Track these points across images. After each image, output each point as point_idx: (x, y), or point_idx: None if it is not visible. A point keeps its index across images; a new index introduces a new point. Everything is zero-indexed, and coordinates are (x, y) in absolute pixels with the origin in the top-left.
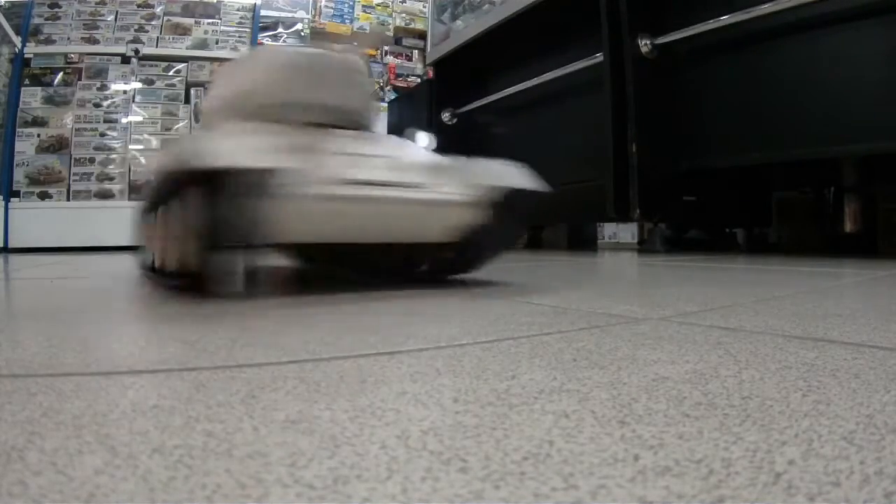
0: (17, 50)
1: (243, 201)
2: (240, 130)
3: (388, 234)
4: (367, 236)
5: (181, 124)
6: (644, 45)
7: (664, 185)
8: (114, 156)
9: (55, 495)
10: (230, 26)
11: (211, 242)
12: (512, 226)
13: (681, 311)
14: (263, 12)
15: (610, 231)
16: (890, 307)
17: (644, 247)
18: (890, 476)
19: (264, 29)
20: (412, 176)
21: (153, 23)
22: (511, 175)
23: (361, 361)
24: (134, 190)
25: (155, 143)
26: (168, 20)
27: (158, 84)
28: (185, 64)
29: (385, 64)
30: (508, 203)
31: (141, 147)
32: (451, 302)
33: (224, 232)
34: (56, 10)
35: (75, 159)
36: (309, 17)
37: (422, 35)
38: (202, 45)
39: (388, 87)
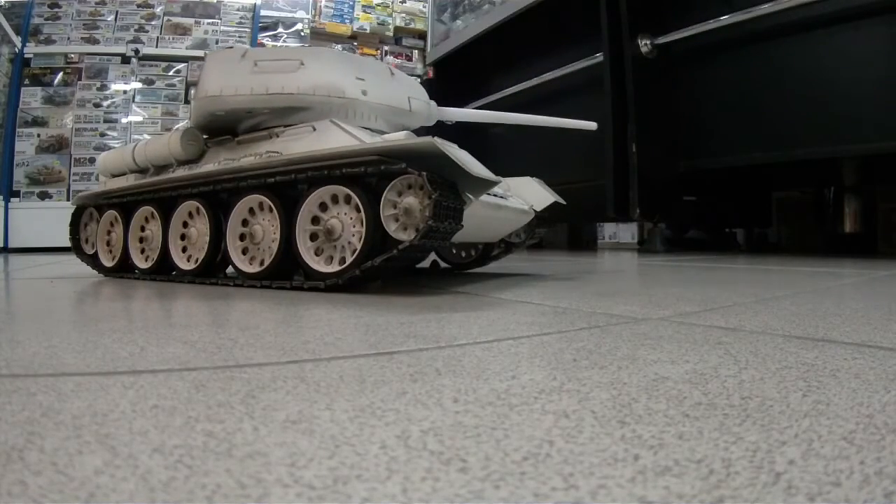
0: (17, 50)
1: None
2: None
3: (500, 232)
4: (489, 235)
5: (181, 124)
6: (644, 45)
7: (664, 185)
8: None
9: (55, 495)
10: (230, 26)
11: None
12: (544, 223)
13: (681, 311)
14: (263, 12)
15: (610, 231)
16: (890, 307)
17: (644, 247)
18: (890, 476)
19: (264, 29)
20: (502, 190)
21: (153, 23)
22: (546, 191)
23: (361, 361)
24: None
25: None
26: (168, 20)
27: (158, 84)
28: (185, 64)
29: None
30: (547, 210)
31: None
32: (454, 302)
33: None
34: (56, 10)
35: (75, 159)
36: (309, 17)
37: (422, 35)
38: (202, 45)
39: None
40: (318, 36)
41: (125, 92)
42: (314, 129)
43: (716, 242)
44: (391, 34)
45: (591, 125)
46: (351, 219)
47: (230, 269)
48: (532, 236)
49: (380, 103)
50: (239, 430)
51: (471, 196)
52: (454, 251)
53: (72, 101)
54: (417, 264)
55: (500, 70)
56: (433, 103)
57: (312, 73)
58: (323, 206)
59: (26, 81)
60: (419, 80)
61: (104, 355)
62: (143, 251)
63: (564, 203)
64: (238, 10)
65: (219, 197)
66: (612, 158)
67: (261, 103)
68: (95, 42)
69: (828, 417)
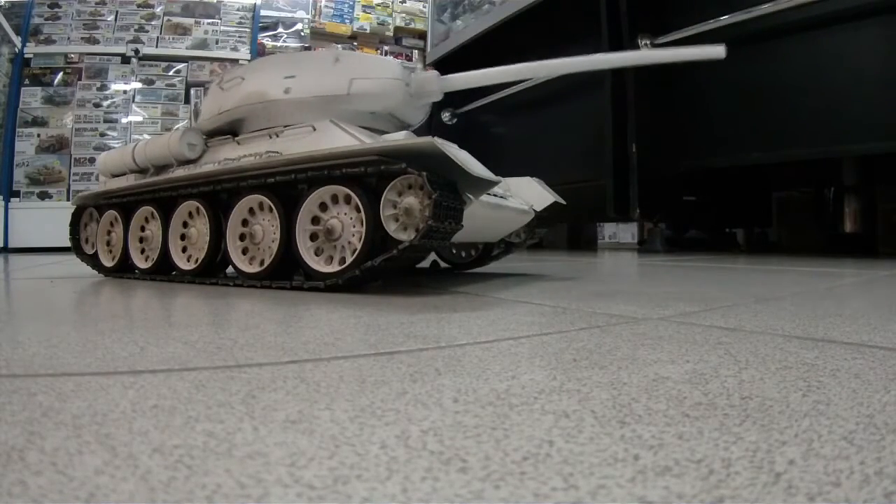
0: (17, 50)
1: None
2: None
3: (500, 232)
4: (489, 235)
5: (181, 124)
6: (644, 44)
7: (664, 185)
8: None
9: (55, 495)
10: (230, 26)
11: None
12: (544, 223)
13: (681, 311)
14: (263, 12)
15: (610, 231)
16: (890, 307)
17: (644, 247)
18: (890, 476)
19: (264, 29)
20: (502, 190)
21: (153, 23)
22: (546, 191)
23: (361, 361)
24: None
25: None
26: (168, 20)
27: (158, 84)
28: (185, 64)
29: None
30: (547, 210)
31: None
32: (454, 302)
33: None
34: (56, 10)
35: (75, 159)
36: (309, 17)
37: (422, 35)
38: (202, 45)
39: None
40: (318, 36)
41: (125, 92)
42: (314, 129)
43: (716, 242)
44: (391, 34)
45: (718, 52)
46: (351, 219)
47: (230, 269)
48: (532, 236)
49: (307, 97)
50: (239, 430)
51: (471, 196)
52: (454, 251)
53: (72, 101)
54: (417, 264)
55: None
56: (425, 75)
57: (246, 86)
58: (323, 206)
59: (26, 81)
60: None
61: (104, 355)
62: (143, 251)
63: (564, 203)
64: (238, 10)
65: (219, 197)
66: (612, 158)
67: (217, 122)
68: (95, 42)
69: (828, 417)
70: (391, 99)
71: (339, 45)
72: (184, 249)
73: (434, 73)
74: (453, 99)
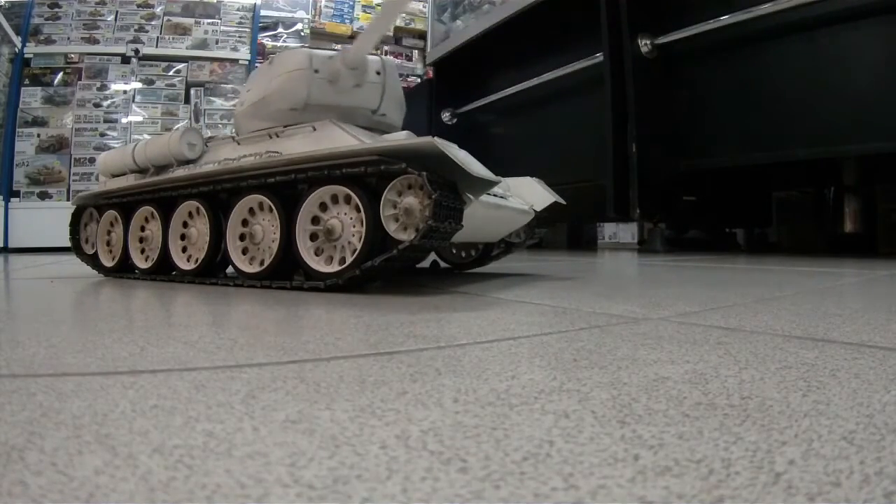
0: (17, 50)
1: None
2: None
3: (500, 232)
4: (489, 235)
5: (181, 124)
6: (644, 45)
7: (664, 185)
8: None
9: (55, 495)
10: (230, 26)
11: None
12: (544, 223)
13: (681, 311)
14: (263, 12)
15: (610, 231)
16: (890, 307)
17: (644, 247)
18: (890, 476)
19: (264, 29)
20: (502, 190)
21: (153, 23)
22: (546, 191)
23: (361, 361)
24: None
25: None
26: (168, 20)
27: (158, 84)
28: (185, 64)
29: None
30: (547, 210)
31: None
32: (454, 302)
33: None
34: (56, 10)
35: (75, 159)
36: (309, 17)
37: (422, 35)
38: (202, 45)
39: None
40: (318, 36)
41: (125, 92)
42: (314, 129)
43: (716, 242)
44: (391, 34)
45: None
46: (351, 219)
47: (230, 269)
48: (532, 236)
49: (247, 106)
50: (239, 430)
51: (471, 196)
52: (454, 251)
53: (72, 101)
54: (417, 264)
55: (500, 70)
56: (328, 55)
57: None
58: (323, 206)
59: (26, 81)
60: (419, 79)
61: (104, 355)
62: (143, 251)
63: (564, 203)
64: (238, 10)
65: (219, 197)
66: (612, 158)
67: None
68: (95, 42)
69: (828, 417)
70: (299, 91)
71: (339, 45)
72: (184, 249)
73: (339, 50)
74: (453, 99)
